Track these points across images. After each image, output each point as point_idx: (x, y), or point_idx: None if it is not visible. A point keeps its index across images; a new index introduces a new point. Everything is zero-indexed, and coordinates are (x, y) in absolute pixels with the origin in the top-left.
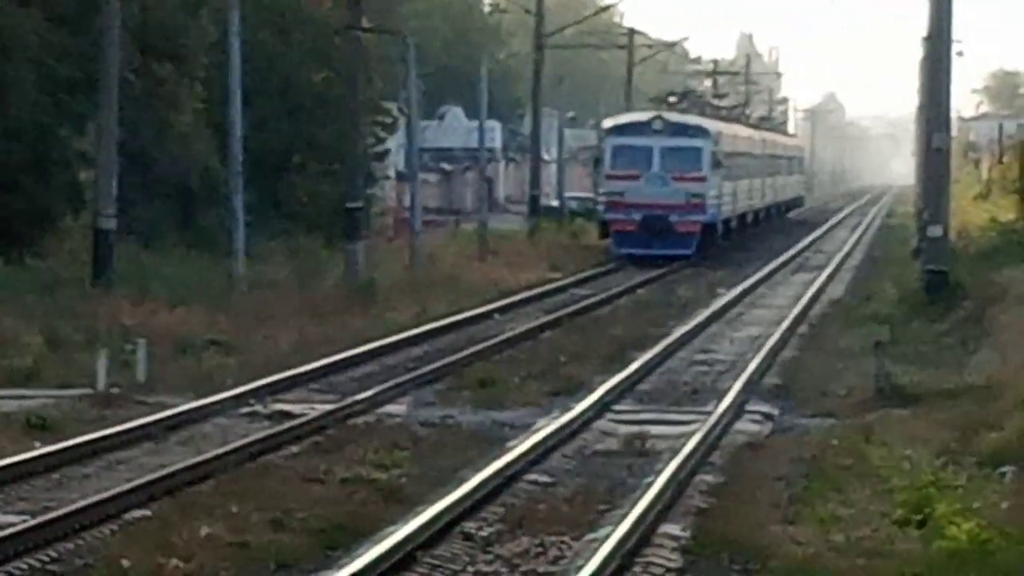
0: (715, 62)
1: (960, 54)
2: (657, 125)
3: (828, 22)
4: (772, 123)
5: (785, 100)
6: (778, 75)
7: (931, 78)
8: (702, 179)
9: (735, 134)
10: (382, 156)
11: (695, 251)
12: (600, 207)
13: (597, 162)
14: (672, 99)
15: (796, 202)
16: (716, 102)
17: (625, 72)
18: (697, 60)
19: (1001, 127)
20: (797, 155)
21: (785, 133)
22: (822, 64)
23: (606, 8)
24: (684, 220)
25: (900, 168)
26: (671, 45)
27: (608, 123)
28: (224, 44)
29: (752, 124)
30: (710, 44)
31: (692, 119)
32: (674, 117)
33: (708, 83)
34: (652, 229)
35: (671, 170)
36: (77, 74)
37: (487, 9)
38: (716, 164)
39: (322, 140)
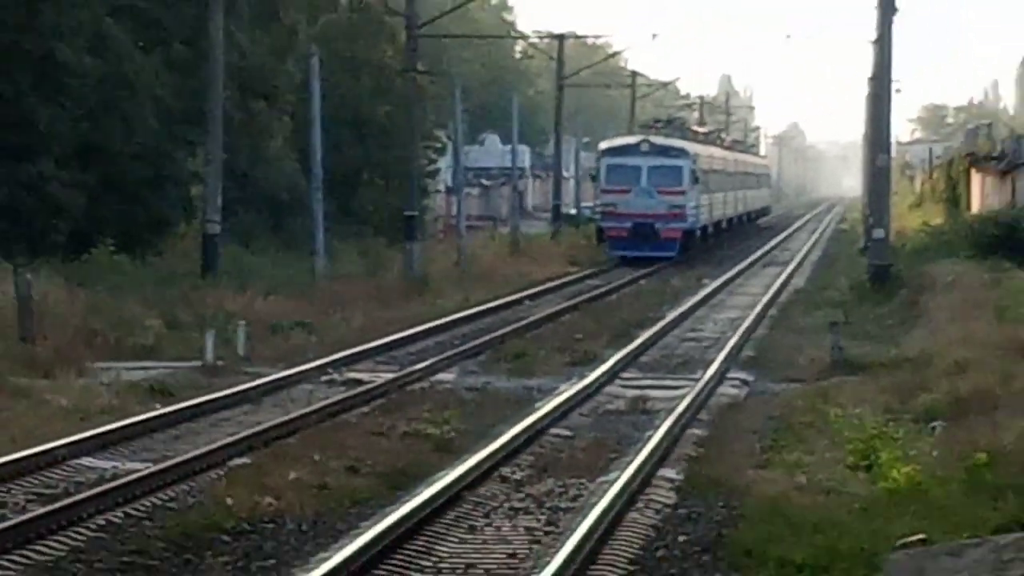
0: (701, 97)
1: (898, 91)
2: (644, 147)
3: (793, 64)
4: (744, 146)
5: (757, 128)
6: (751, 108)
7: (875, 110)
8: (682, 192)
9: (711, 154)
10: (434, 174)
11: (677, 253)
12: (597, 216)
13: (594, 178)
14: (658, 125)
15: (764, 211)
16: (695, 128)
17: (629, 106)
18: (686, 96)
19: (931, 150)
20: (765, 172)
21: (756, 154)
22: (788, 99)
23: (614, 55)
24: (668, 227)
25: (850, 183)
26: (665, 84)
27: (603, 145)
28: (307, 84)
29: (726, 146)
30: (697, 83)
31: (674, 142)
32: (659, 140)
33: (695, 114)
34: (640, 235)
35: (656, 185)
36: (189, 109)
37: (518, 56)
38: (694, 180)
39: (385, 161)
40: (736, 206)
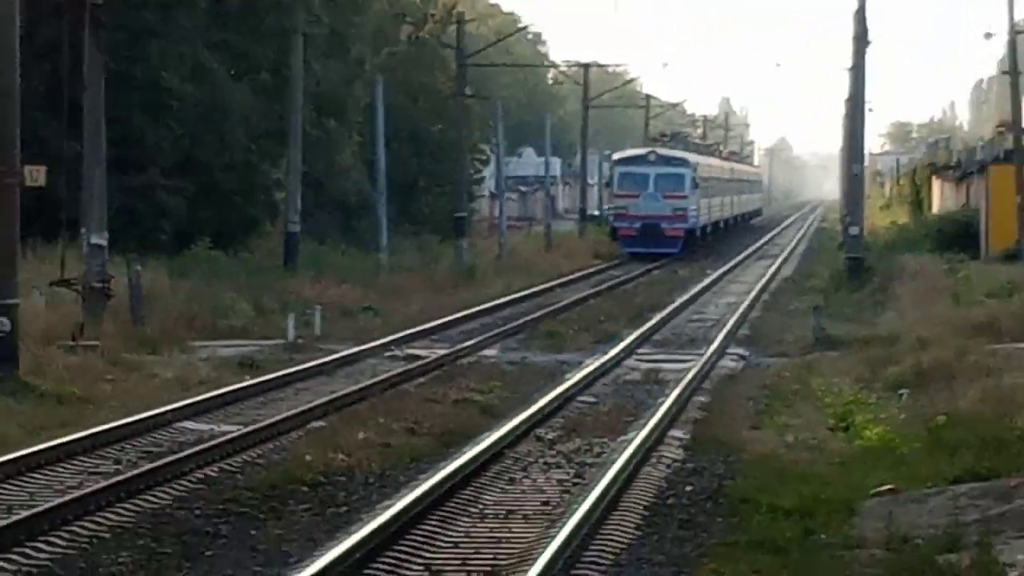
0: (704, 116)
1: (871, 110)
2: (652, 157)
3: (782, 87)
4: (740, 156)
5: (752, 142)
6: (747, 125)
7: (851, 126)
8: (685, 197)
9: (709, 164)
10: (479, 181)
11: (680, 250)
12: (610, 217)
13: (608, 184)
14: (664, 138)
15: (756, 212)
16: (697, 141)
17: (643, 123)
18: (692, 115)
19: (898, 160)
20: (757, 179)
21: (750, 164)
22: (778, 116)
23: (630, 81)
24: (672, 227)
25: (830, 188)
26: (674, 105)
27: (616, 156)
28: (372, 106)
29: (724, 157)
30: (701, 104)
31: (678, 153)
32: (665, 151)
33: (700, 131)
34: (648, 234)
35: (662, 190)
36: (273, 127)
37: (550, 81)
38: (695, 186)
39: (438, 170)
40: (732, 208)
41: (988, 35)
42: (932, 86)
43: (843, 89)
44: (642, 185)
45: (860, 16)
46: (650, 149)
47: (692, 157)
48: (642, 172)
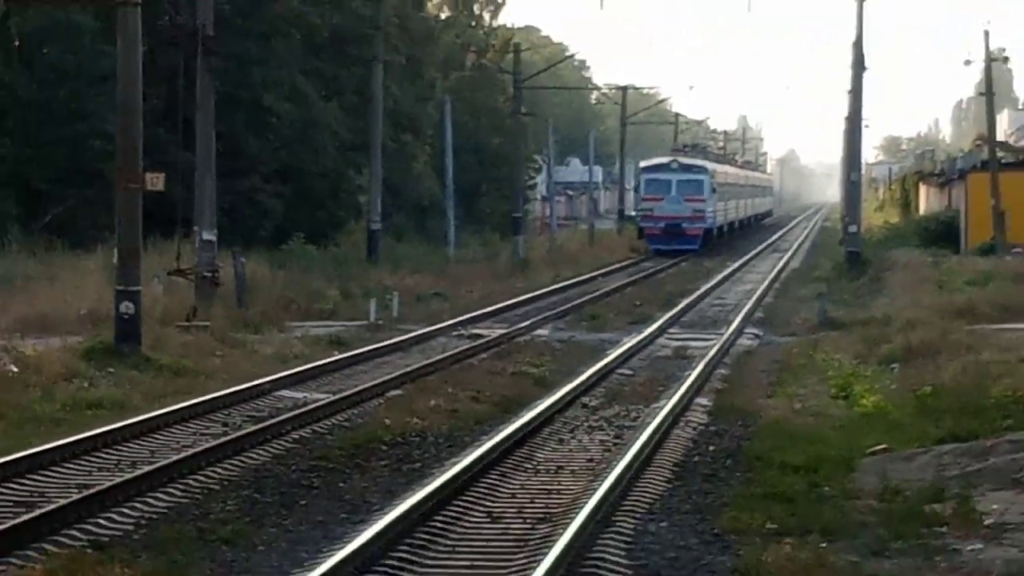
0: (725, 132)
1: (867, 126)
2: (674, 165)
3: (792, 105)
4: (753, 165)
5: (765, 153)
6: (761, 139)
7: (849, 140)
8: (703, 200)
9: (725, 171)
10: (533, 186)
11: (699, 247)
12: (637, 218)
13: (636, 189)
14: (686, 149)
15: (767, 214)
16: (714, 151)
17: (672, 137)
18: (714, 130)
19: (890, 169)
20: (769, 184)
21: (762, 171)
22: (788, 131)
23: (662, 101)
24: (692, 227)
25: (832, 192)
26: (699, 122)
27: (643, 164)
28: (441, 122)
29: (739, 165)
30: (722, 120)
31: (697, 161)
32: (686, 160)
33: (720, 144)
34: (671, 232)
35: (683, 194)
36: (357, 141)
37: (593, 101)
38: (712, 190)
39: (498, 177)
40: (745, 210)
41: (968, 62)
42: (919, 105)
43: (844, 108)
44: (665, 190)
45: (858, 46)
46: (672, 158)
47: (710, 165)
48: (665, 178)
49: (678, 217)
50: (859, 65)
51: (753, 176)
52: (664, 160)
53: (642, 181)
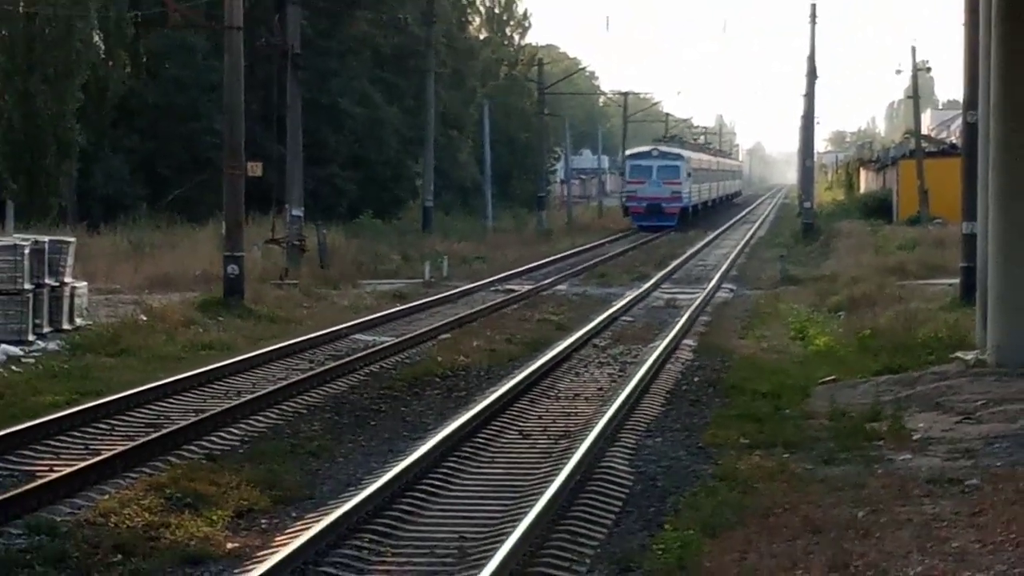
0: (705, 128)
1: (818, 123)
2: (655, 153)
3: (759, 105)
4: (725, 153)
5: (737, 144)
6: (734, 132)
7: (804, 134)
8: (679, 183)
9: (700, 158)
10: (553, 171)
11: (676, 223)
12: (623, 199)
13: (622, 174)
14: (666, 139)
15: (737, 194)
16: (691, 141)
17: (663, 131)
18: (696, 127)
19: (837, 157)
20: (738, 169)
21: (733, 158)
22: (756, 125)
23: (655, 104)
24: (670, 206)
25: (791, 176)
26: (685, 120)
27: (627, 152)
28: (481, 121)
29: (712, 153)
30: (704, 118)
31: (674, 149)
32: (664, 148)
33: (702, 137)
34: (652, 211)
35: (662, 178)
36: (414, 136)
37: (601, 104)
38: (687, 174)
39: (526, 164)
40: (718, 191)
41: (898, 71)
42: (859, 105)
43: (800, 108)
44: (647, 174)
45: (811, 60)
46: (653, 147)
47: (685, 152)
48: (647, 164)
49: (658, 198)
50: (812, 75)
51: (724, 162)
52: (646, 149)
53: (627, 167)
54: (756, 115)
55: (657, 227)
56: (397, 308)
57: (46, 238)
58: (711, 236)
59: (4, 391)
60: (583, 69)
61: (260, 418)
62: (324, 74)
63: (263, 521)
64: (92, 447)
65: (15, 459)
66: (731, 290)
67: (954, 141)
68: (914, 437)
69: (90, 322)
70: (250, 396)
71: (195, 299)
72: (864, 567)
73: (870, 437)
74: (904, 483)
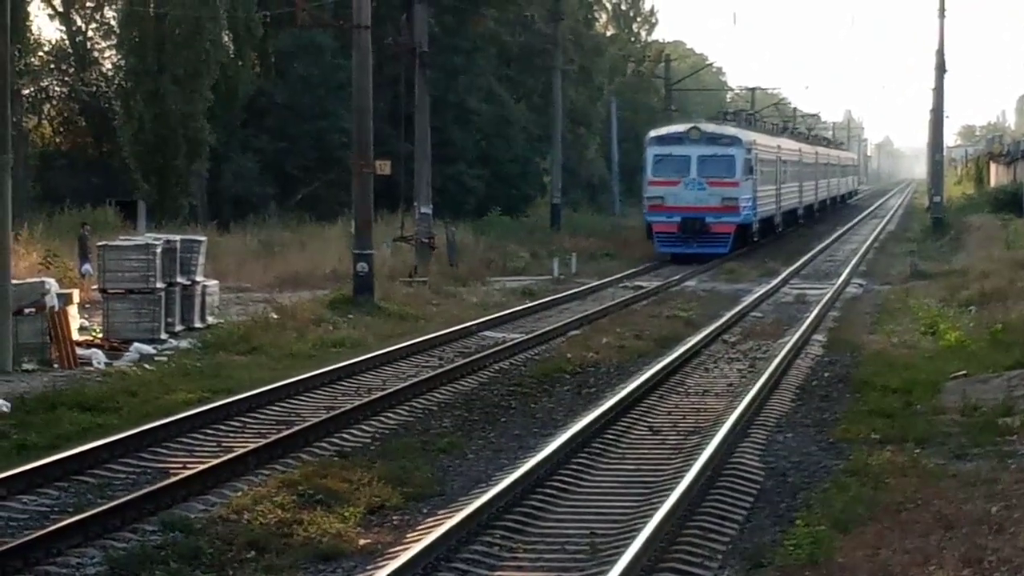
0: (834, 123)
1: (948, 117)
2: (694, 135)
3: (888, 100)
4: (832, 143)
5: (866, 139)
6: (863, 128)
7: (934, 128)
8: (735, 183)
9: (779, 145)
10: None
11: (729, 249)
12: (644, 208)
13: (642, 169)
14: (726, 115)
15: (852, 193)
16: (766, 120)
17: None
18: (824, 123)
19: (967, 151)
20: (852, 163)
21: (845, 149)
22: (884, 120)
23: (782, 100)
24: (719, 221)
25: (920, 171)
26: (812, 115)
27: (652, 134)
28: (608, 118)
29: (809, 140)
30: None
31: (727, 129)
32: (710, 127)
33: (830, 132)
34: (689, 230)
35: (707, 175)
36: (541, 134)
37: (728, 100)
38: (750, 168)
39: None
40: (815, 194)
41: None
42: (989, 99)
43: (929, 102)
44: (681, 169)
45: (940, 54)
46: (692, 125)
47: (747, 134)
48: (682, 153)
49: (699, 208)
50: (941, 68)
51: (829, 154)
52: (681, 129)
53: (649, 158)
54: (885, 110)
55: (695, 256)
56: (526, 305)
57: (178, 237)
58: (840, 231)
59: (138, 389)
60: (710, 65)
61: (390, 415)
62: (451, 72)
63: (395, 517)
64: (224, 444)
65: (149, 456)
66: (860, 285)
67: None
68: None
69: (221, 320)
70: (380, 393)
71: (325, 297)
72: (998, 562)
73: (1003, 432)
74: None
